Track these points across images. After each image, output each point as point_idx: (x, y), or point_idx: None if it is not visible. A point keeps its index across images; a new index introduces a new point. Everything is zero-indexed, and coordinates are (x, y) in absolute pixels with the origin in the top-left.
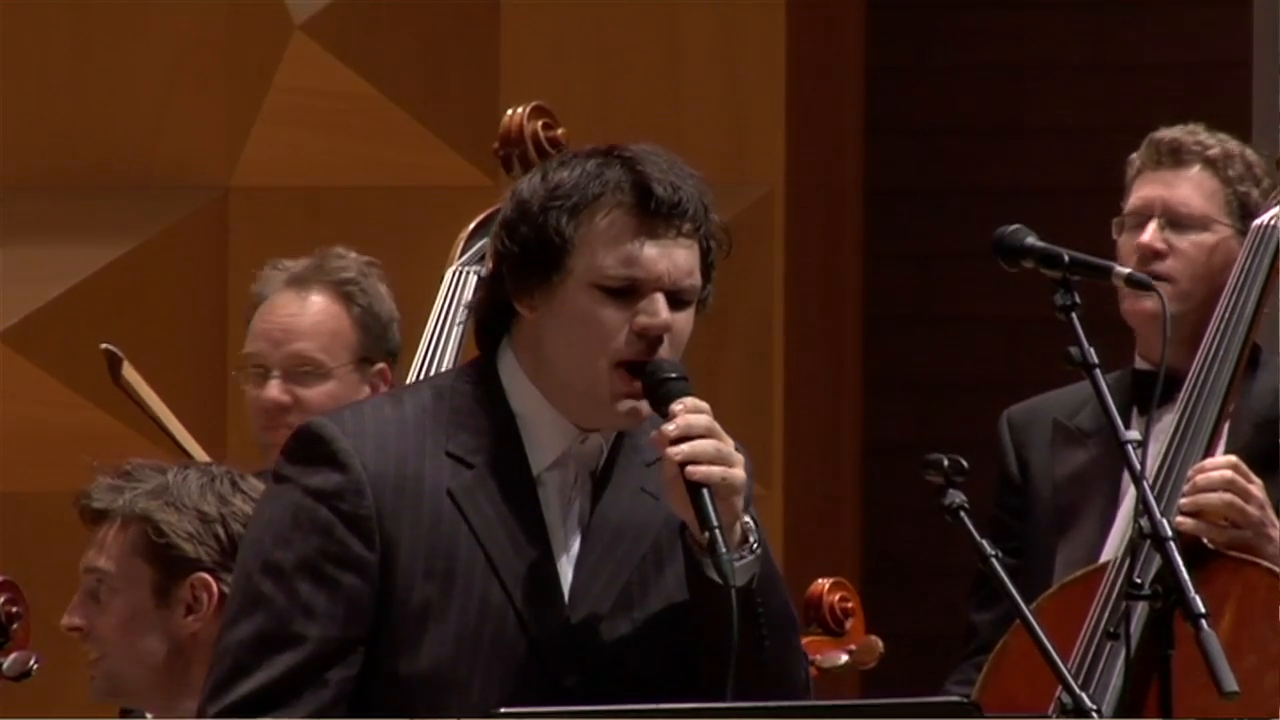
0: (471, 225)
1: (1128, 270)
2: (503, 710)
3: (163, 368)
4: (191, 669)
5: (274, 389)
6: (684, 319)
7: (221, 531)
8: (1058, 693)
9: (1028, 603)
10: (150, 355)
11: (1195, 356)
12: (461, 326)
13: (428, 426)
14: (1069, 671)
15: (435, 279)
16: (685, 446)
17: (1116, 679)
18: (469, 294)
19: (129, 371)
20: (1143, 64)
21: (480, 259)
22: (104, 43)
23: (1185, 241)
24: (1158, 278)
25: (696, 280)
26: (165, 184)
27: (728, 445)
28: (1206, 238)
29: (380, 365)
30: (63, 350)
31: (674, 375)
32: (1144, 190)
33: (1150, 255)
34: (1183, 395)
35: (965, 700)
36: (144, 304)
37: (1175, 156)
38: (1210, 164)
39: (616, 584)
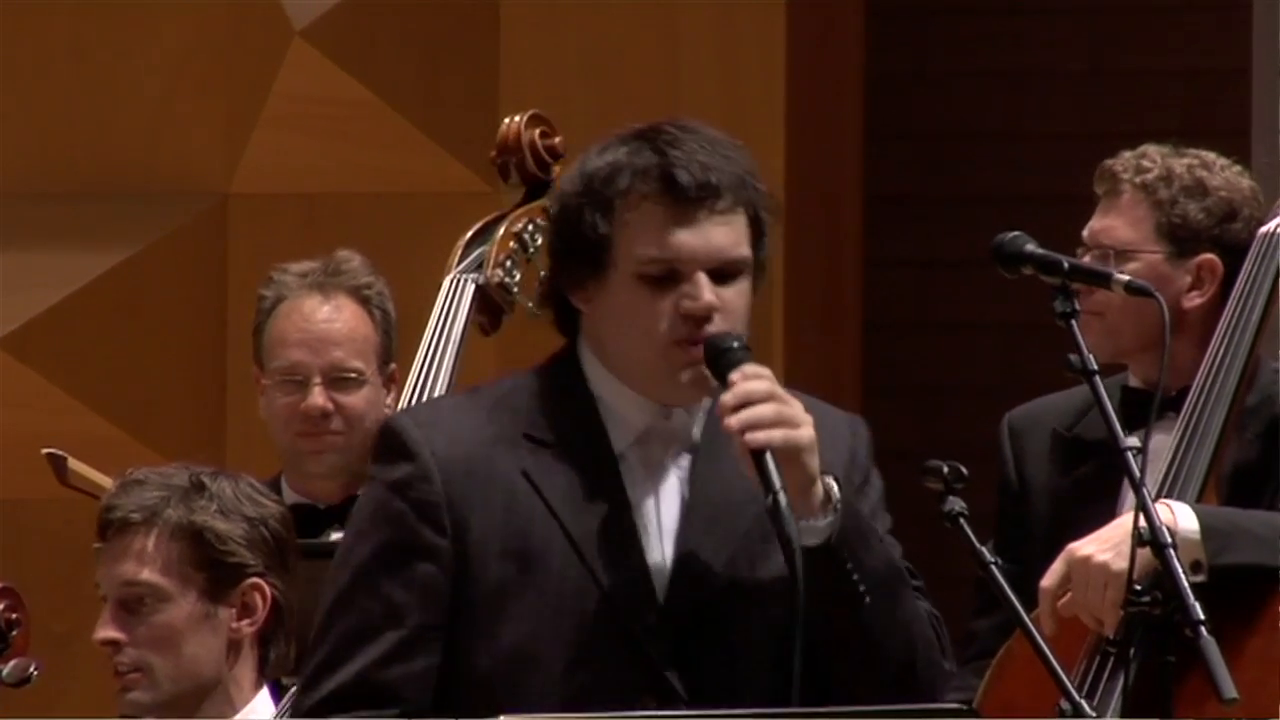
0: (470, 232)
1: (1127, 277)
2: (504, 715)
3: (162, 374)
4: (236, 673)
5: (319, 396)
6: (734, 293)
7: (266, 533)
8: (1061, 700)
9: (1028, 611)
10: (150, 362)
11: (1198, 368)
12: (460, 333)
13: (506, 410)
14: (1072, 680)
15: (434, 286)
16: (743, 414)
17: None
18: (467, 301)
19: (75, 465)
20: (1143, 71)
21: (478, 266)
22: (103, 48)
23: None
24: (1091, 312)
25: (741, 252)
26: (164, 190)
27: (792, 408)
28: (1131, 268)
29: (393, 366)
30: (62, 357)
31: (733, 345)
32: (1090, 222)
33: (1082, 291)
34: (1187, 405)
35: (964, 707)
36: (143, 311)
37: (1112, 184)
38: (1141, 189)
39: (721, 558)
